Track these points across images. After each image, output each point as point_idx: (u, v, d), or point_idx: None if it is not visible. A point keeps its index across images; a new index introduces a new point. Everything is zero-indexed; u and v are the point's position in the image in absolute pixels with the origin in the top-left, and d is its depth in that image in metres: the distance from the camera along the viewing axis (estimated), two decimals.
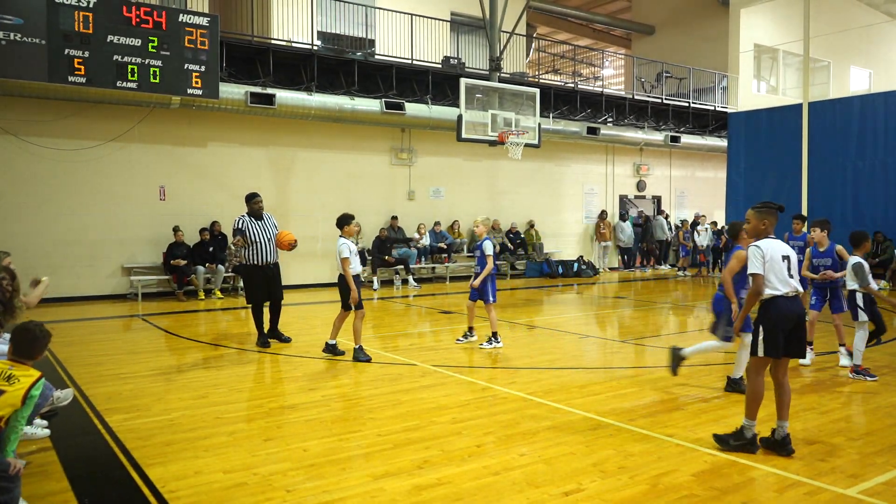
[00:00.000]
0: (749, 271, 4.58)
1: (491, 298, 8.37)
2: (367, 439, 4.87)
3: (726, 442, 4.62)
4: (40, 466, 4.37)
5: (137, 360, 7.76)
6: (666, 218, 21.35)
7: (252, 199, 8.55)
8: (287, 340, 8.56)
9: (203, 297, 13.27)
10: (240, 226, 8.35)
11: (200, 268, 13.35)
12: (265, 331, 8.56)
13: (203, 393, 6.24)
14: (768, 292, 4.53)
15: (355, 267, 7.61)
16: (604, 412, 5.54)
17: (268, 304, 8.62)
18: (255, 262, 8.35)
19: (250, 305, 8.65)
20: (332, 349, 7.77)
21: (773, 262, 4.52)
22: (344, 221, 7.82)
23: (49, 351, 8.03)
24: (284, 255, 14.65)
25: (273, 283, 8.51)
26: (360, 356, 7.53)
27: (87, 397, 6.05)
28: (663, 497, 3.87)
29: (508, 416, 5.42)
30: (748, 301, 4.66)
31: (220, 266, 13.63)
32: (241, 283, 13.93)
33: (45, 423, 5.07)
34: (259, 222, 8.42)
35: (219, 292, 13.65)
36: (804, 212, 17.27)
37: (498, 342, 8.26)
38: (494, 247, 8.54)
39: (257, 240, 8.31)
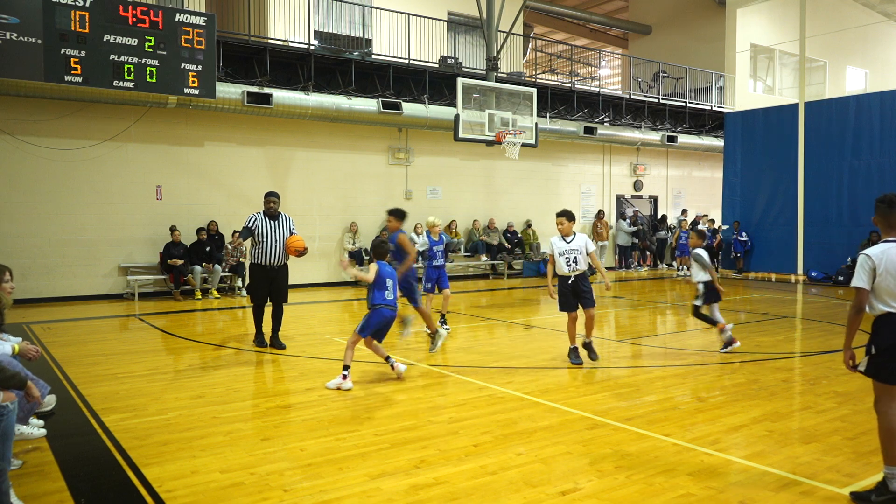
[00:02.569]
0: (852, 283, 3.87)
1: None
2: (364, 439, 4.87)
3: (867, 499, 3.80)
4: (36, 466, 4.36)
5: (134, 359, 7.75)
6: (663, 220, 21.42)
7: (266, 198, 8.30)
8: (282, 347, 8.30)
9: (200, 297, 13.26)
10: (250, 224, 8.18)
11: (197, 267, 13.34)
12: (263, 332, 8.50)
13: (200, 393, 6.23)
14: (881, 308, 3.83)
15: (560, 266, 7.16)
16: (601, 412, 5.54)
17: (269, 307, 8.47)
18: (260, 262, 8.19)
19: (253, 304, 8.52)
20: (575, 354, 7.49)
21: (887, 273, 3.76)
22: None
23: (46, 351, 8.02)
24: None
25: (276, 284, 8.30)
26: (578, 356, 7.43)
27: (83, 397, 6.04)
28: (660, 496, 3.87)
29: (505, 416, 5.42)
30: (850, 323, 3.90)
31: (217, 266, 13.62)
32: (239, 283, 13.98)
33: (41, 422, 5.07)
34: (272, 222, 8.19)
35: (216, 292, 13.64)
36: (800, 211, 17.39)
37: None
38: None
39: (265, 239, 8.12)
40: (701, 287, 8.11)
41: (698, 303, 8.13)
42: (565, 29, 29.07)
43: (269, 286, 8.30)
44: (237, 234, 8.09)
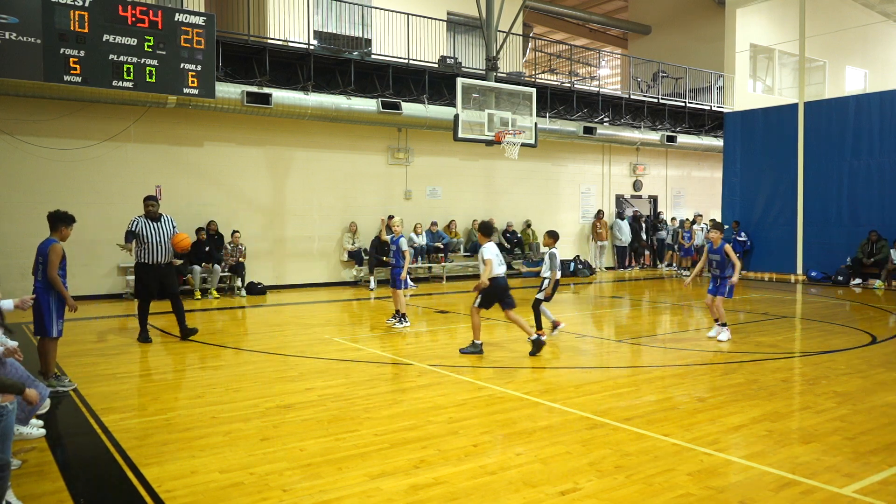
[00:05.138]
0: None
1: (401, 285, 9.85)
2: (364, 439, 4.87)
3: None
4: (36, 466, 4.35)
5: (133, 359, 7.75)
6: (658, 219, 21.43)
7: (145, 202, 8.87)
8: (194, 332, 8.97)
9: (199, 297, 13.25)
10: (133, 228, 8.72)
11: (197, 267, 13.33)
12: (148, 328, 8.94)
13: (199, 392, 6.23)
14: None
15: (496, 269, 7.81)
16: (600, 412, 5.54)
17: (169, 303, 8.97)
18: (146, 261, 8.71)
19: (137, 300, 9.05)
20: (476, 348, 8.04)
21: None
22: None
23: None
24: (281, 255, 14.67)
25: (167, 279, 8.85)
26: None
27: (82, 397, 6.03)
28: (660, 496, 3.87)
29: (505, 416, 5.42)
30: None
31: (217, 265, 13.61)
32: (239, 283, 13.97)
33: (40, 423, 5.06)
34: (154, 224, 8.73)
35: (215, 292, 13.63)
36: (799, 211, 17.39)
37: (406, 322, 9.78)
38: (410, 243, 10.11)
39: (149, 240, 8.67)
40: (546, 282, 8.76)
41: (540, 296, 8.76)
42: (565, 29, 29.06)
43: (159, 283, 8.82)
44: (129, 244, 8.63)
